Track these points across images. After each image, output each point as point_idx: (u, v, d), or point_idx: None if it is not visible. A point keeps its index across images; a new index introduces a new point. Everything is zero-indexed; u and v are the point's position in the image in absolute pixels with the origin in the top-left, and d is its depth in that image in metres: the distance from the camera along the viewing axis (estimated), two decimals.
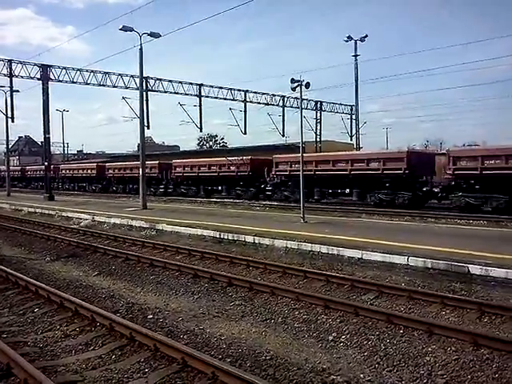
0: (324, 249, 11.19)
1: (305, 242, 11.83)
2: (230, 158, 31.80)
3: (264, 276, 9.84)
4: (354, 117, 44.90)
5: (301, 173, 17.14)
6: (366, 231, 13.45)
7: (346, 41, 41.03)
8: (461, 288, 8.33)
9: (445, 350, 5.71)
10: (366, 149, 40.37)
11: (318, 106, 44.97)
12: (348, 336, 6.30)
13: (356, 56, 41.36)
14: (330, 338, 6.26)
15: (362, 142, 44.38)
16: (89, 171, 46.77)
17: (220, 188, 33.28)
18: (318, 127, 45.47)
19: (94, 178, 45.63)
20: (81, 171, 48.58)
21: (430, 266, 9.26)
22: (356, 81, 41.87)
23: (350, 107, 45.77)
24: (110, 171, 43.80)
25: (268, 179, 29.54)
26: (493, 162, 19.27)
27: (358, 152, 33.49)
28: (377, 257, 10.14)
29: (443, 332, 6.13)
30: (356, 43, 41.13)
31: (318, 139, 45.27)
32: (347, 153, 28.43)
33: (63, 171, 51.10)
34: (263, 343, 6.09)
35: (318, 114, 45.42)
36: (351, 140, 45.57)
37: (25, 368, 4.96)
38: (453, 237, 12.43)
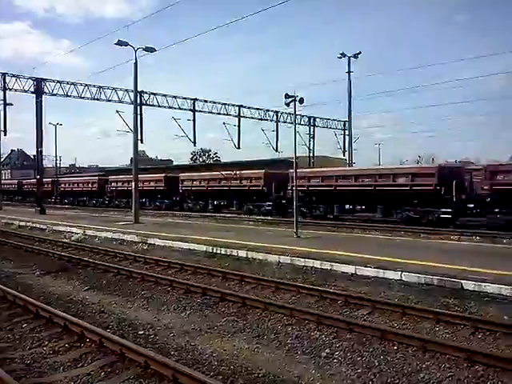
0: (317, 264, 11.14)
1: (298, 256, 11.78)
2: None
3: (257, 291, 9.75)
4: (347, 132, 45.20)
5: (295, 188, 17.17)
6: (359, 246, 13.41)
7: (340, 57, 41.45)
8: (454, 304, 8.29)
9: (439, 367, 5.65)
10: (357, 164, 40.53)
11: (312, 121, 45.26)
12: (341, 352, 6.22)
13: (349, 72, 41.76)
14: (324, 354, 6.18)
15: (355, 157, 44.61)
16: (153, 183, 37.92)
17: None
18: (311, 142, 45.73)
19: (163, 191, 37.48)
20: (146, 184, 38.10)
21: (423, 281, 9.23)
22: (349, 97, 42.23)
23: (342, 123, 46.11)
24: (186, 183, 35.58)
25: None
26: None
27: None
28: (370, 272, 10.10)
29: (437, 348, 6.08)
30: (349, 60, 41.56)
31: (311, 154, 45.46)
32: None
33: (113, 184, 43.12)
34: (256, 360, 6.00)
35: (311, 130, 45.73)
36: (344, 155, 45.82)
37: None
38: (445, 252, 12.42)
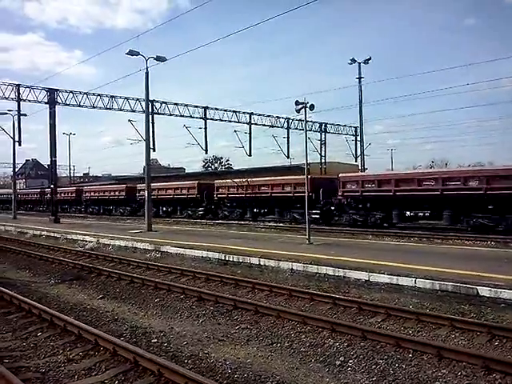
0: (330, 271, 11.07)
1: (310, 263, 11.72)
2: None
3: (270, 299, 9.73)
4: (358, 138, 45.04)
5: (306, 195, 17.13)
6: (372, 253, 13.30)
7: (350, 63, 41.45)
8: (470, 310, 8.18)
9: (455, 375, 5.57)
10: (371, 170, 40.38)
11: (323, 127, 45.13)
12: (356, 360, 6.17)
13: (360, 78, 41.72)
14: (338, 362, 6.13)
15: (367, 163, 44.44)
16: (117, 193, 43.24)
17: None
18: (323, 149, 45.55)
19: (124, 199, 42.21)
20: (112, 193, 44.07)
21: (438, 287, 9.12)
22: (360, 102, 42.17)
23: (354, 128, 45.94)
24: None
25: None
26: None
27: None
28: (384, 279, 10.01)
29: (453, 356, 5.99)
30: (360, 65, 41.53)
31: (323, 161, 45.29)
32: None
33: (87, 193, 47.41)
34: (269, 368, 5.97)
35: (323, 136, 45.55)
36: (356, 161, 45.60)
37: None
38: (458, 258, 12.27)
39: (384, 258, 12.05)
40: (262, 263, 12.79)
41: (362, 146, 43.88)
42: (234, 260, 13.59)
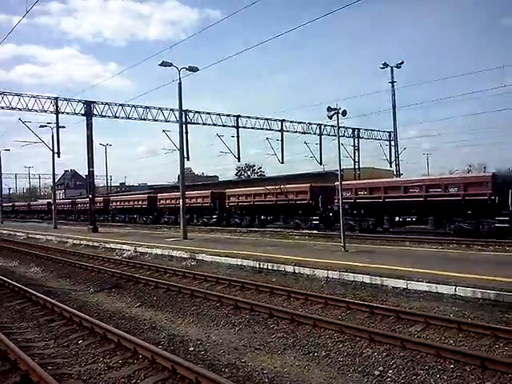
0: (367, 279, 10.91)
1: (346, 271, 11.58)
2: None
3: (305, 307, 9.65)
4: (392, 143, 44.37)
5: (340, 201, 16.97)
6: (410, 260, 13.02)
7: (382, 68, 41.03)
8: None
9: None
10: (405, 175, 39.68)
11: (356, 133, 44.70)
12: (395, 370, 6.04)
13: (393, 83, 41.23)
14: (377, 372, 6.02)
15: (402, 168, 43.75)
16: (140, 202, 45.87)
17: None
18: (356, 154, 45.07)
19: (147, 208, 44.77)
20: (136, 202, 46.68)
21: (479, 296, 8.85)
22: (393, 107, 41.63)
23: (388, 133, 45.29)
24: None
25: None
26: None
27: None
28: (422, 287, 9.79)
29: (498, 367, 5.79)
30: (392, 70, 41.05)
31: (357, 166, 44.81)
32: None
33: (113, 203, 50.25)
34: (307, 378, 5.92)
35: (356, 141, 45.10)
36: (391, 166, 44.91)
37: None
38: (501, 265, 11.86)
39: (422, 265, 11.78)
40: (296, 271, 12.74)
41: (396, 150, 43.22)
42: (269, 268, 13.59)
